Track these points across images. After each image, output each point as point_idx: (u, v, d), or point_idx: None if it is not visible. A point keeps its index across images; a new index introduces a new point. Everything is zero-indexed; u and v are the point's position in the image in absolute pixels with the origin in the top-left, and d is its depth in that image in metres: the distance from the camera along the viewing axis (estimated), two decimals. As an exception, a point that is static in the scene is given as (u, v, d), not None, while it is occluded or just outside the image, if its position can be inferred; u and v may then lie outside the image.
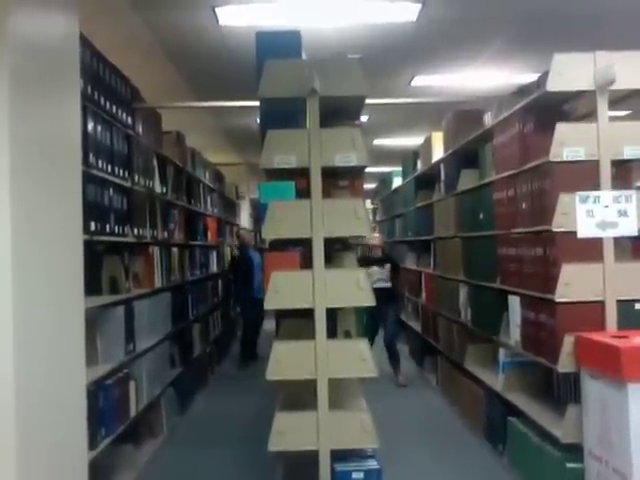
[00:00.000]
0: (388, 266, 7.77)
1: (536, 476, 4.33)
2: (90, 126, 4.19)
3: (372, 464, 3.86)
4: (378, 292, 7.19)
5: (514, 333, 4.76)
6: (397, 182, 11.36)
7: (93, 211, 4.19)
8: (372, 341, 7.35)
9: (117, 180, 4.77)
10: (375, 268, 7.62)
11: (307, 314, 3.90)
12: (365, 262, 7.43)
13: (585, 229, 4.05)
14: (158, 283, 6.00)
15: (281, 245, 4.29)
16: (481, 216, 5.71)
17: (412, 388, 7.66)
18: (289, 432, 3.81)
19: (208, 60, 6.83)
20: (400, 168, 11.04)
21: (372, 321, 7.74)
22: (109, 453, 4.41)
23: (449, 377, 6.89)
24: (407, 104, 7.68)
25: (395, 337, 8.16)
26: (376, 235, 8.51)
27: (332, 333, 4.05)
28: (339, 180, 4.41)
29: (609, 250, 4.06)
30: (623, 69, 4.02)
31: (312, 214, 3.85)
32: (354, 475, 3.81)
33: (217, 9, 5.38)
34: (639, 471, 3.39)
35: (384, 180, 13.37)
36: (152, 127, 6.10)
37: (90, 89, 4.28)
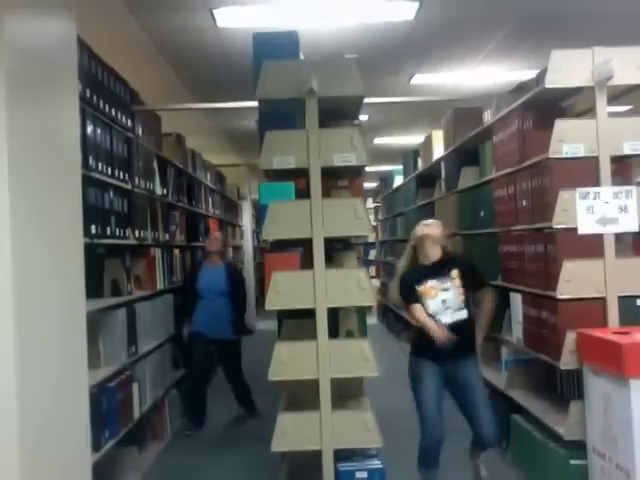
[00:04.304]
0: (456, 274, 4.21)
1: (540, 473, 4.32)
2: (89, 129, 4.19)
3: (375, 463, 3.86)
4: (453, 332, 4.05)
5: (516, 330, 4.76)
6: (398, 181, 11.37)
7: (93, 214, 4.19)
8: (435, 463, 4.27)
9: (117, 183, 4.77)
10: (434, 283, 4.20)
11: (308, 314, 3.90)
12: (409, 280, 4.29)
13: (585, 225, 4.05)
14: (160, 285, 6.01)
15: (281, 246, 4.29)
16: (482, 214, 5.71)
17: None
18: (292, 432, 3.82)
19: (206, 62, 6.83)
20: (401, 167, 11.05)
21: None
22: (113, 456, 4.41)
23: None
24: (407, 103, 7.68)
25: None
26: (433, 221, 4.49)
27: (334, 333, 4.05)
28: (338, 180, 4.42)
29: (610, 246, 4.05)
30: (621, 64, 4.02)
31: (312, 214, 3.85)
32: (358, 475, 3.82)
33: (215, 11, 5.38)
34: (642, 467, 3.39)
35: (385, 179, 13.37)
36: (152, 129, 6.11)
37: (89, 92, 4.28)
